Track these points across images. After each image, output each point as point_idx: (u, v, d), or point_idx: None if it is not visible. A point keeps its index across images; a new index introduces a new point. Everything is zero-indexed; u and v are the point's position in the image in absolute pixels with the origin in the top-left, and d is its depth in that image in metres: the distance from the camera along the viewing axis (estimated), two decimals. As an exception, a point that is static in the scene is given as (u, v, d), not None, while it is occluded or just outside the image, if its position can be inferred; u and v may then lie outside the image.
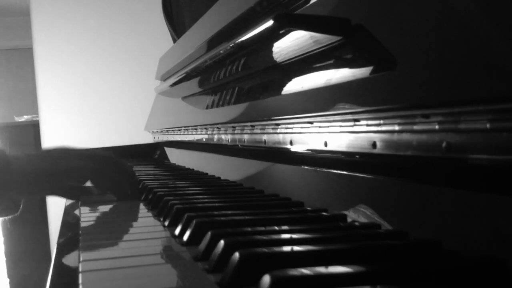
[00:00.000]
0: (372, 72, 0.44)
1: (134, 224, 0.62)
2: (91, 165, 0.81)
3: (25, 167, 0.77)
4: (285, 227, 0.45)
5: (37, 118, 2.87)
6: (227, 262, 0.34)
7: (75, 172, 0.80)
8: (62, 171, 0.79)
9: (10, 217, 0.79)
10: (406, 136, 0.40)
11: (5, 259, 3.19)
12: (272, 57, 0.66)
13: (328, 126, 0.52)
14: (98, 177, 0.81)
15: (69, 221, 0.68)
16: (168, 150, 1.50)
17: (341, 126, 0.50)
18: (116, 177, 0.81)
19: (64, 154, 0.83)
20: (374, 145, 0.44)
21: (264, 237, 0.40)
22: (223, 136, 0.90)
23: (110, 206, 0.76)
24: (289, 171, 0.66)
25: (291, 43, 0.60)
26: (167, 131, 1.43)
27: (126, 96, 2.77)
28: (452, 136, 0.35)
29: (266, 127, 0.69)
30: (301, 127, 0.59)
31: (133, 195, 0.80)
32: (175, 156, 1.39)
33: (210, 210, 0.57)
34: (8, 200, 0.78)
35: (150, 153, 1.66)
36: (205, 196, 0.70)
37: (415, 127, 0.39)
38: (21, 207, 0.80)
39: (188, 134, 1.18)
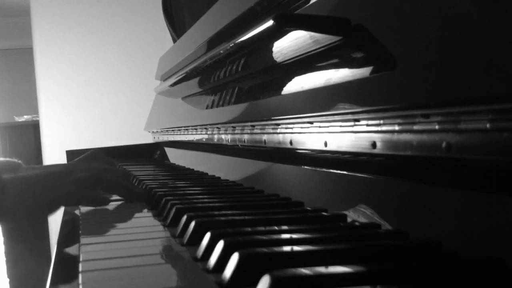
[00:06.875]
0: (372, 72, 0.44)
1: (134, 224, 0.62)
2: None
3: (21, 192, 0.71)
4: (285, 227, 0.45)
5: (37, 118, 2.88)
6: (227, 262, 0.34)
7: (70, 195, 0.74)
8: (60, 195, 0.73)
9: None
10: (406, 136, 0.40)
11: (5, 259, 3.19)
12: (272, 57, 0.66)
13: (328, 126, 0.52)
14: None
15: (69, 220, 0.68)
16: (168, 150, 1.50)
17: (341, 126, 0.50)
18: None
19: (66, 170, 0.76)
20: (374, 145, 0.44)
21: (264, 237, 0.40)
22: (223, 136, 0.90)
23: (110, 205, 0.76)
24: (289, 171, 0.66)
25: (291, 43, 0.60)
26: (167, 131, 1.43)
27: (126, 96, 2.77)
28: (452, 136, 0.35)
29: (266, 127, 0.69)
30: (301, 127, 0.59)
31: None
32: (175, 156, 1.39)
33: (210, 210, 0.57)
34: None
35: (150, 153, 1.66)
36: (205, 196, 0.70)
37: (415, 127, 0.39)
38: None
39: (188, 134, 1.18)
